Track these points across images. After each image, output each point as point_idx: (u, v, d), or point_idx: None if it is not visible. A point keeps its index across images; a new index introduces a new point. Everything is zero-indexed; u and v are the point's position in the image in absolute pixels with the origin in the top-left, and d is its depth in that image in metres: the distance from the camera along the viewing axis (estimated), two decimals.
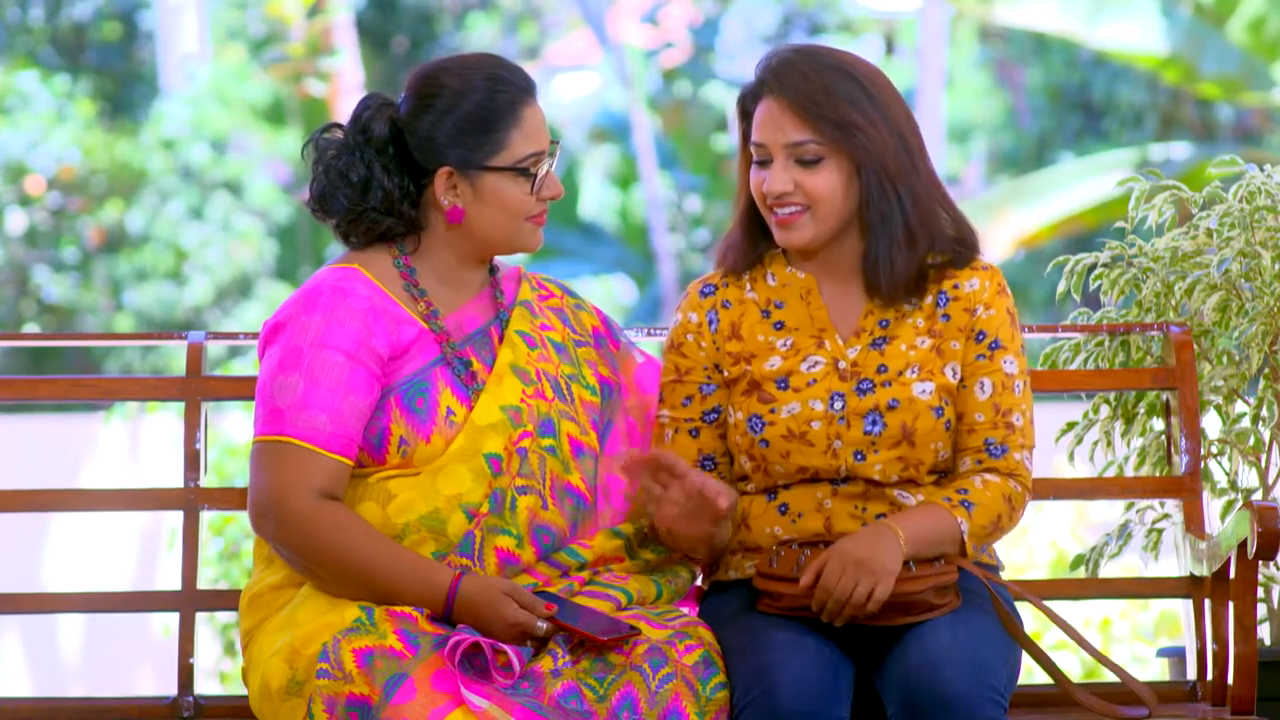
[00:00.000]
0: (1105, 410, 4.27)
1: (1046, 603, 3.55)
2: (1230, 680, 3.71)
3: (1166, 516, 4.23)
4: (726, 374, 3.60)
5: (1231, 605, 3.72)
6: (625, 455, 3.45)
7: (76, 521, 10.65)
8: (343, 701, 3.24)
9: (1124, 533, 4.24)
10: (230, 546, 7.69)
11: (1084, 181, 13.39)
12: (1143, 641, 7.11)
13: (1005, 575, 3.67)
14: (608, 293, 21.61)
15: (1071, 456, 4.29)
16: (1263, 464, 4.25)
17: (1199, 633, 3.93)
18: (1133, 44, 13.39)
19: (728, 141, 20.52)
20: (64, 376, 4.00)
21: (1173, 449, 4.05)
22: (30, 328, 16.53)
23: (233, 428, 8.64)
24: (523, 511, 3.44)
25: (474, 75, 3.48)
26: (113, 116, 18.40)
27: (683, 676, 3.34)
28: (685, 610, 3.56)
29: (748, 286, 3.64)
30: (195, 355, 3.98)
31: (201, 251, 16.57)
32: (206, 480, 3.95)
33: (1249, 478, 4.30)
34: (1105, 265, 4.32)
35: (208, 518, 6.25)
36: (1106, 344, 4.27)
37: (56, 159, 16.55)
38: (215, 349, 13.14)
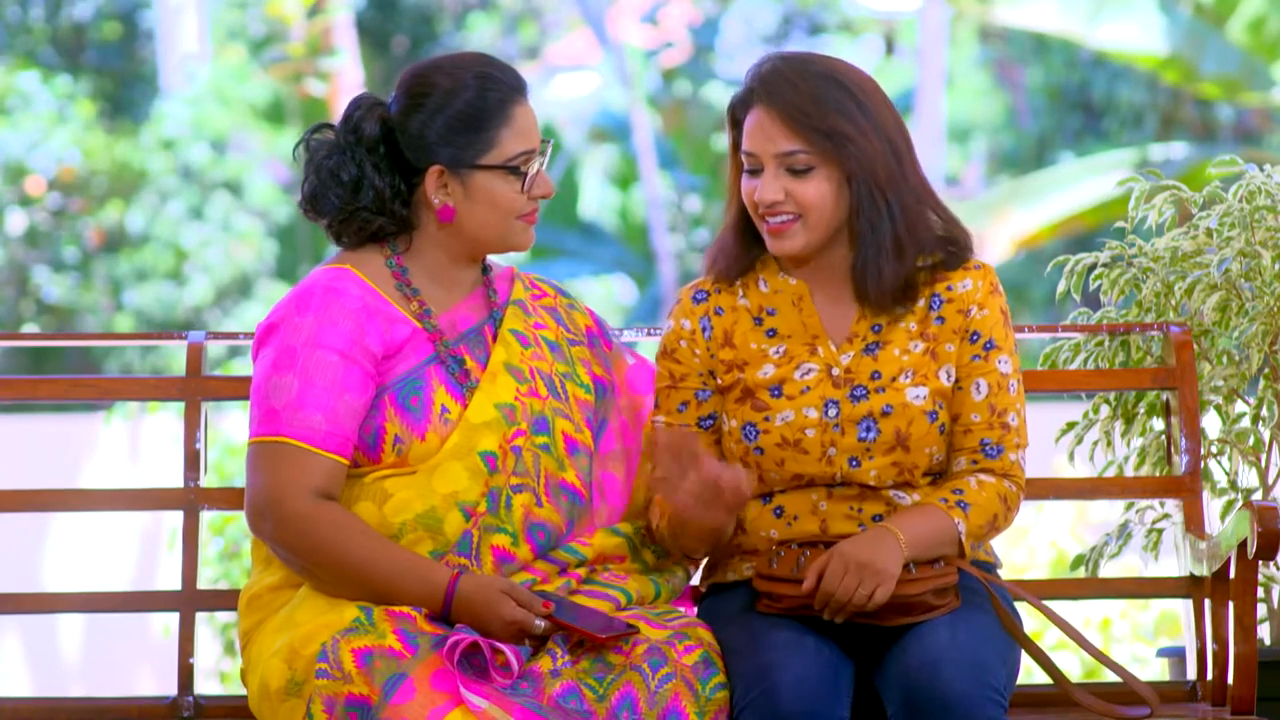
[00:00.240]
0: (1105, 410, 4.27)
1: (1047, 602, 3.55)
2: (1230, 680, 3.71)
3: (1166, 516, 4.23)
4: (720, 381, 3.60)
5: (1231, 605, 3.72)
6: (655, 433, 3.44)
7: (76, 521, 10.65)
8: (342, 701, 3.24)
9: (1124, 533, 4.24)
10: (230, 546, 7.69)
11: (1084, 181, 13.40)
12: (1143, 641, 7.10)
13: (1005, 575, 3.68)
14: (608, 293, 21.61)
15: (1071, 456, 4.29)
16: (1263, 464, 4.25)
17: (1199, 633, 3.93)
18: (1133, 44, 13.39)
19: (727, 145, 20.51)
20: (64, 376, 4.00)
21: (1173, 449, 4.05)
22: (30, 328, 16.53)
23: (233, 428, 8.64)
24: (518, 509, 3.44)
25: (465, 74, 3.48)
26: (113, 116, 18.40)
27: (682, 676, 3.34)
28: (684, 610, 3.57)
29: (740, 293, 3.63)
30: (195, 355, 3.98)
31: (201, 251, 16.58)
32: (206, 480, 3.95)
33: (1249, 478, 4.30)
34: (1105, 265, 4.32)
35: (208, 518, 6.25)
36: (1106, 344, 4.27)
37: (57, 159, 16.55)
38: (215, 349, 13.14)
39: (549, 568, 3.46)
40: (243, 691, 3.46)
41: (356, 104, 3.53)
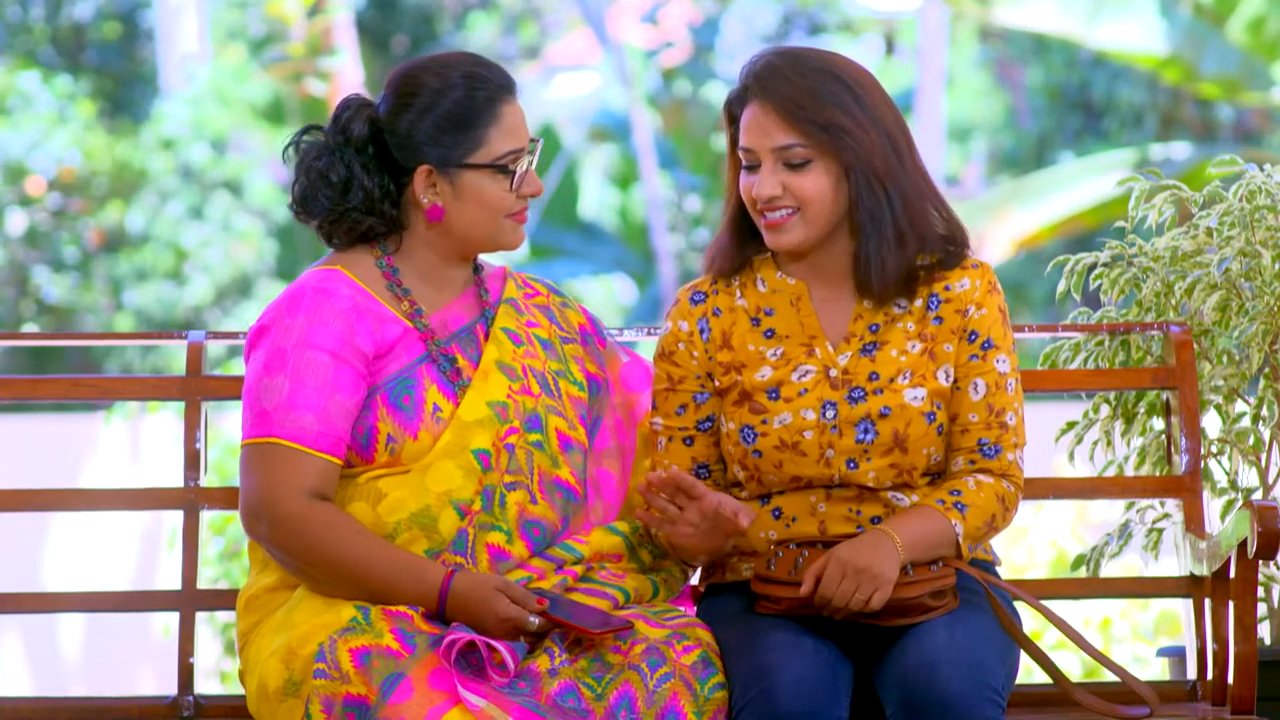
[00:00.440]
0: (1105, 410, 4.27)
1: (1047, 602, 3.55)
2: (1230, 680, 3.71)
3: (1166, 516, 4.23)
4: (718, 383, 3.60)
5: (1231, 605, 3.72)
6: (644, 479, 3.46)
7: (76, 521, 10.65)
8: (340, 702, 3.24)
9: (1124, 532, 4.24)
10: (230, 546, 7.69)
11: (1084, 181, 13.39)
12: (1143, 641, 7.10)
13: (1005, 575, 3.67)
14: (608, 293, 21.61)
15: (1071, 456, 4.29)
16: (1263, 464, 4.25)
17: (1199, 632, 3.93)
18: (1132, 44, 13.39)
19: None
20: (64, 376, 4.00)
21: (1173, 449, 4.05)
22: (30, 328, 16.53)
23: (233, 428, 8.63)
24: (512, 507, 3.45)
25: (452, 73, 3.49)
26: (113, 116, 18.40)
27: (681, 676, 3.34)
28: (684, 610, 3.57)
29: (738, 293, 3.63)
30: (195, 355, 3.98)
31: (201, 251, 16.58)
32: (206, 480, 3.96)
33: (1249, 477, 4.30)
34: (1105, 265, 4.32)
35: (208, 517, 6.25)
36: (1106, 344, 4.27)
37: (57, 159, 16.55)
38: (215, 349, 13.13)
39: (545, 565, 3.46)
40: (243, 691, 3.46)
41: (345, 105, 3.54)
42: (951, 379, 3.55)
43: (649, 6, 21.24)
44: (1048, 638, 6.44)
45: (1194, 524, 3.97)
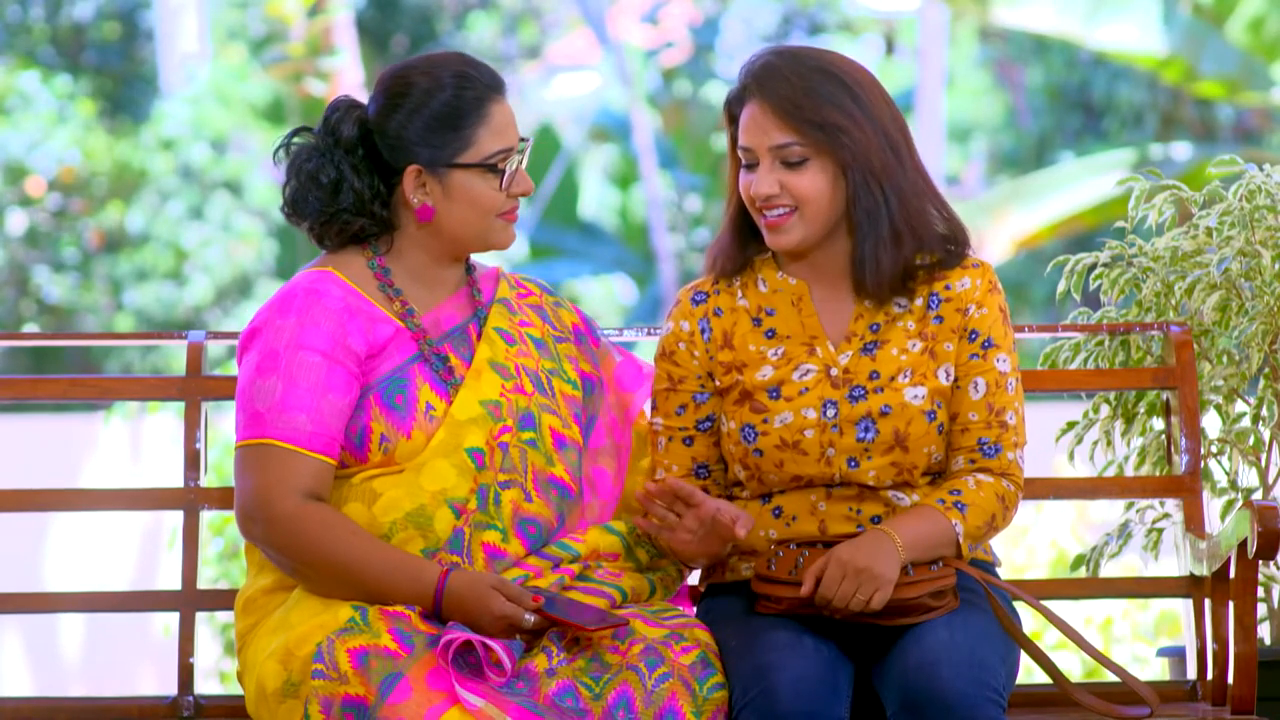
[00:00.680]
0: (1105, 410, 4.27)
1: (1047, 602, 3.55)
2: (1230, 680, 3.71)
3: (1166, 516, 4.23)
4: (719, 383, 3.60)
5: (1231, 605, 3.72)
6: (642, 488, 3.48)
7: (76, 521, 10.65)
8: (339, 702, 3.24)
9: (1124, 532, 4.24)
10: (230, 546, 7.69)
11: (1084, 181, 13.38)
12: (1143, 641, 7.10)
13: (1005, 575, 3.67)
14: (608, 293, 21.61)
15: (1071, 456, 4.29)
16: (1263, 464, 4.25)
17: (1199, 632, 3.93)
18: (1132, 44, 13.38)
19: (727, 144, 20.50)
20: (64, 376, 4.00)
21: (1173, 449, 4.05)
22: (30, 328, 16.54)
23: (233, 427, 8.62)
24: (507, 505, 3.45)
25: (441, 73, 3.49)
26: (113, 116, 18.40)
27: (680, 676, 3.34)
28: (682, 609, 3.57)
29: (739, 293, 3.63)
30: (195, 355, 3.99)
31: (201, 251, 16.58)
32: (206, 480, 3.96)
33: (1249, 477, 4.30)
34: (1105, 265, 4.32)
35: (208, 518, 6.25)
36: (1106, 344, 4.27)
37: (57, 160, 16.55)
38: (215, 349, 13.11)
39: (542, 564, 3.47)
40: (242, 692, 3.46)
41: (334, 107, 3.55)
42: (952, 378, 3.56)
43: (649, 6, 21.24)
44: (1048, 638, 6.44)
45: (1194, 524, 3.97)
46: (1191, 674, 3.96)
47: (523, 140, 3.54)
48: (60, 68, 18.25)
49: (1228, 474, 4.28)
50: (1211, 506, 4.26)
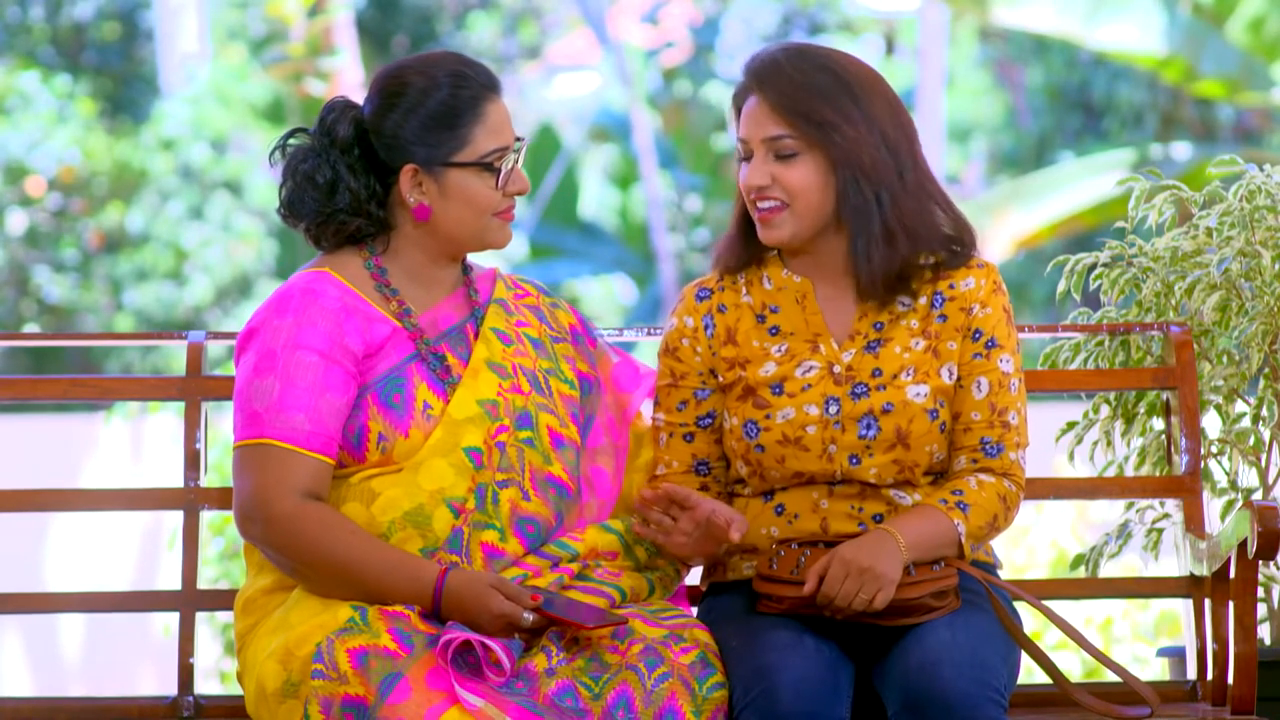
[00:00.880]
0: (1105, 410, 4.27)
1: (1047, 603, 3.55)
2: (1230, 680, 3.71)
3: (1166, 516, 4.23)
4: (721, 379, 3.61)
5: (1231, 605, 3.72)
6: (638, 494, 3.49)
7: (76, 521, 10.65)
8: (338, 702, 3.24)
9: (1124, 532, 4.24)
10: (230, 546, 7.69)
11: (1084, 181, 13.38)
12: (1143, 641, 7.10)
13: (1005, 575, 3.67)
14: (608, 293, 21.61)
15: (1071, 456, 4.29)
16: (1263, 464, 4.25)
17: (1199, 632, 3.93)
18: (1132, 44, 13.38)
19: (728, 141, 20.52)
20: (64, 376, 4.00)
21: (1173, 449, 4.04)
22: (31, 328, 16.53)
23: (232, 428, 8.62)
24: (505, 504, 3.45)
25: (437, 73, 3.50)
26: (113, 116, 18.40)
27: (679, 676, 3.34)
28: (682, 609, 3.57)
29: (744, 290, 3.64)
30: (195, 355, 3.99)
31: (201, 251, 16.58)
32: (206, 480, 3.96)
33: (1249, 477, 4.30)
34: (1105, 265, 4.32)
35: (208, 518, 6.25)
36: (1106, 344, 4.27)
37: (57, 159, 16.55)
38: (215, 349, 13.11)
39: (540, 563, 3.47)
40: (243, 692, 3.46)
41: (330, 107, 3.55)
42: (955, 377, 3.56)
43: (649, 6, 21.25)
44: (1048, 638, 6.44)
45: (1194, 524, 3.97)
46: (1191, 674, 3.96)
47: (518, 139, 3.54)
48: (60, 68, 18.25)
49: (1228, 474, 4.28)
50: (1211, 506, 4.26)
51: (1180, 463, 4.01)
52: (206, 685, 8.12)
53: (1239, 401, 4.29)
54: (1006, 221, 13.35)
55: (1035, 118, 19.07)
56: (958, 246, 3.58)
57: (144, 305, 16.72)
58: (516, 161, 3.53)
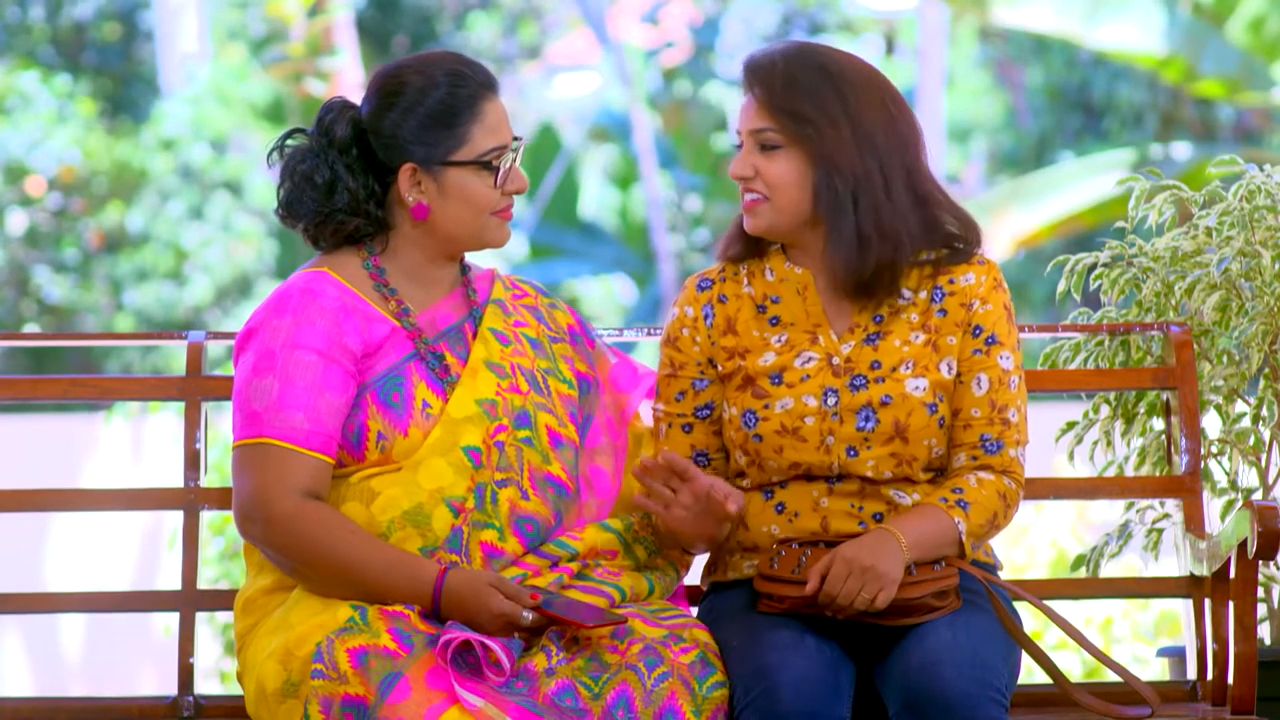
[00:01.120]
0: (1105, 410, 4.27)
1: (1047, 602, 3.55)
2: (1230, 680, 3.71)
3: (1166, 516, 4.23)
4: (721, 369, 3.61)
5: (1231, 605, 3.72)
6: (639, 462, 3.49)
7: (76, 521, 10.65)
8: (338, 702, 3.24)
9: (1124, 533, 4.24)
10: (230, 546, 7.69)
11: (1084, 181, 13.38)
12: (1143, 641, 7.10)
13: (1005, 575, 3.68)
14: (608, 293, 21.61)
15: (1071, 456, 4.29)
16: (1263, 464, 4.25)
17: (1199, 632, 3.93)
18: (1132, 44, 13.38)
19: (728, 141, 20.52)
20: (64, 376, 4.00)
21: (1173, 449, 4.04)
22: (31, 328, 16.53)
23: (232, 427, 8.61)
24: (504, 504, 3.46)
25: (435, 72, 3.51)
26: (113, 116, 18.40)
27: (679, 675, 3.34)
28: (682, 609, 3.57)
29: (745, 281, 3.65)
30: (195, 355, 3.99)
31: (201, 251, 16.58)
32: (206, 480, 3.96)
33: (1249, 477, 4.30)
34: (1105, 265, 4.32)
35: (208, 518, 6.25)
36: (1106, 344, 4.27)
37: (57, 159, 16.55)
38: (215, 349, 13.11)
39: (540, 562, 3.47)
40: (243, 692, 3.46)
41: (328, 108, 3.56)
42: (954, 372, 3.56)
43: (649, 6, 21.25)
44: (1049, 638, 6.44)
45: (1194, 524, 3.97)
46: (1191, 674, 3.96)
47: (516, 138, 3.55)
48: (60, 68, 18.25)
49: (1228, 474, 4.28)
50: (1211, 507, 4.26)
51: (1180, 463, 4.02)
52: (206, 685, 8.12)
53: (1239, 401, 4.29)
54: (1006, 221, 13.35)
55: (1035, 118, 19.07)
56: (960, 244, 3.58)
57: (144, 305, 16.73)
58: (515, 160, 3.54)
